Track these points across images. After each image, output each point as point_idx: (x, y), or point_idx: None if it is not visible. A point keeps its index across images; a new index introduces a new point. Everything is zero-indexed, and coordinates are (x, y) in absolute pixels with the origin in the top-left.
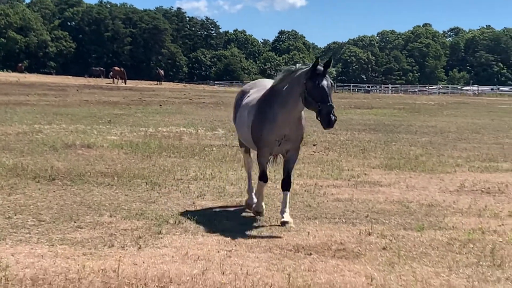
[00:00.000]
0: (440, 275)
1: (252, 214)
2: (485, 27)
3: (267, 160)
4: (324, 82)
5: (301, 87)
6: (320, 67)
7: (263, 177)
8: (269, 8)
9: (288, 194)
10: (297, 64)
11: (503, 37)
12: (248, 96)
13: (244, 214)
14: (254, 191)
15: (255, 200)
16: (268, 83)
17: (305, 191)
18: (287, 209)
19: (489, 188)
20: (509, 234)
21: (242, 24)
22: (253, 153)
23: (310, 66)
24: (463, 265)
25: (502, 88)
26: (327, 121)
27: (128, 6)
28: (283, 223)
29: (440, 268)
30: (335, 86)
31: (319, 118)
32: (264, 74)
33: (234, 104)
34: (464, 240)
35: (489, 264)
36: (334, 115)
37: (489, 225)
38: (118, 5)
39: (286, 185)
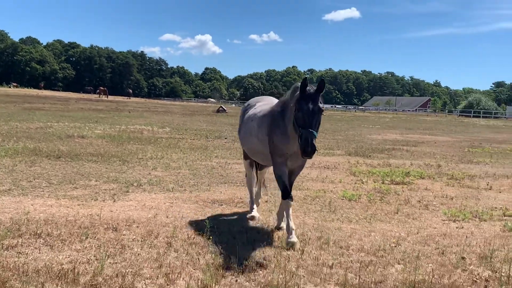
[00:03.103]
0: (299, 217)
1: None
2: (328, 69)
3: (285, 172)
4: (309, 106)
5: (293, 107)
6: (310, 89)
7: (287, 194)
8: (199, 53)
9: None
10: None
11: (338, 75)
12: (255, 108)
13: (182, 179)
14: (278, 213)
15: (256, 208)
16: (273, 100)
17: (219, 166)
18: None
19: (328, 165)
20: (340, 193)
21: (182, 62)
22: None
23: (300, 84)
24: (312, 211)
25: (337, 106)
26: (302, 149)
27: (109, 48)
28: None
29: (299, 213)
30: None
31: (299, 144)
32: (196, 94)
33: (240, 117)
34: (313, 196)
35: (328, 211)
36: (311, 144)
37: (328, 187)
38: (103, 48)
39: (284, 195)
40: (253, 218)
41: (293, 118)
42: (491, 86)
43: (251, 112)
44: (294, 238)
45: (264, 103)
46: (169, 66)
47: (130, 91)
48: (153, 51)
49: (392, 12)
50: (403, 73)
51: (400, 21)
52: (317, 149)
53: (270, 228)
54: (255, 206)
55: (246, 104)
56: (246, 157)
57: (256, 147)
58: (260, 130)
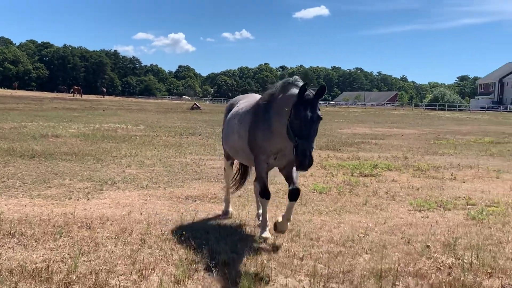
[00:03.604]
0: (271, 211)
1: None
2: (299, 66)
3: (265, 171)
4: (308, 114)
5: (289, 108)
6: (310, 94)
7: (265, 193)
8: (173, 51)
9: (294, 204)
10: (295, 76)
11: (309, 72)
12: (238, 106)
13: (156, 176)
14: (259, 210)
15: (231, 209)
16: (256, 96)
17: (193, 163)
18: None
19: None
20: (311, 186)
21: (156, 60)
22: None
23: (299, 90)
24: (284, 205)
25: None
26: (300, 162)
27: (83, 48)
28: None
29: (271, 207)
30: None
31: (294, 155)
32: (170, 92)
33: (224, 117)
34: (285, 190)
35: (299, 204)
36: (309, 157)
37: (299, 181)
38: (76, 47)
39: (294, 195)
40: (263, 235)
41: (288, 124)
42: (455, 80)
43: (234, 110)
44: (267, 234)
45: (247, 100)
46: (142, 65)
47: (104, 89)
48: (126, 50)
49: (360, 9)
50: (372, 69)
51: (368, 18)
52: (314, 161)
53: (243, 223)
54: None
55: (229, 103)
56: (227, 157)
57: (237, 145)
58: (242, 126)
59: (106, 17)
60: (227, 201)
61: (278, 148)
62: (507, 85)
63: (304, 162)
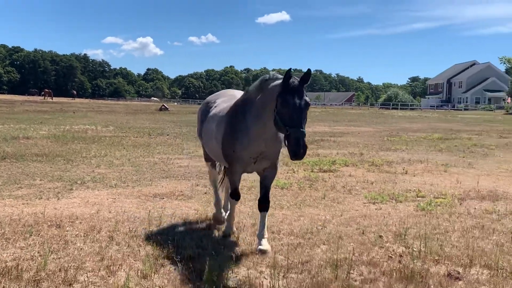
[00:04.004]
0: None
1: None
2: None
3: (239, 177)
4: (296, 101)
5: (274, 101)
6: (294, 81)
7: (235, 195)
8: (142, 54)
9: (266, 215)
10: (271, 72)
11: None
12: (216, 107)
13: (125, 175)
14: (222, 206)
15: (223, 214)
16: (236, 92)
17: (161, 162)
18: (266, 233)
19: None
20: (273, 182)
21: (125, 63)
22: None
23: (283, 78)
24: (248, 200)
25: None
26: (294, 152)
27: (53, 52)
28: (261, 252)
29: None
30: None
31: (286, 145)
32: (139, 94)
33: (199, 117)
34: (249, 186)
35: None
36: (303, 146)
37: None
38: (47, 51)
39: (263, 205)
40: (218, 219)
41: (275, 115)
42: (407, 81)
43: (212, 112)
44: (231, 230)
45: (224, 100)
46: (112, 68)
47: (75, 92)
48: (96, 54)
49: (318, 15)
50: (330, 71)
51: (326, 23)
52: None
53: (208, 219)
54: (223, 210)
55: (205, 102)
56: (207, 159)
57: (216, 150)
58: (218, 131)
59: (75, 22)
60: (218, 206)
61: (258, 152)
62: (454, 85)
63: (299, 151)
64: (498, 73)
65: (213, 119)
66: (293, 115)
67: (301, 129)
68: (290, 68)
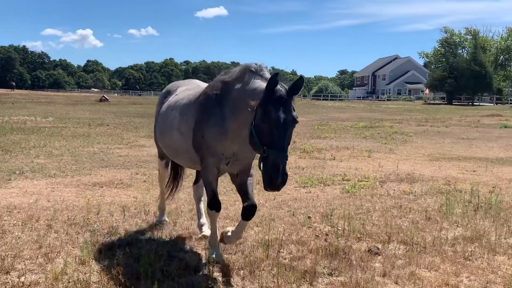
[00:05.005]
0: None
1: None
2: (202, 60)
3: (215, 177)
4: (280, 115)
5: (252, 109)
6: (282, 89)
7: (214, 203)
8: (81, 46)
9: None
10: (258, 62)
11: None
12: (176, 95)
13: (64, 165)
14: (200, 220)
15: (203, 230)
16: (201, 84)
17: (101, 152)
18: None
19: None
20: None
21: (64, 55)
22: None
23: (267, 82)
24: (186, 187)
25: None
26: (270, 180)
27: None
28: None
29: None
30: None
31: (260, 169)
32: (79, 85)
33: (157, 107)
34: (187, 174)
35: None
36: (282, 173)
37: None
38: None
39: (248, 212)
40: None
41: (252, 128)
42: (336, 74)
43: (171, 99)
44: (220, 256)
45: (189, 88)
46: (51, 59)
47: (14, 83)
48: (35, 45)
49: (255, 11)
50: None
51: (261, 19)
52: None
53: (147, 205)
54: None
55: (164, 91)
56: (162, 156)
57: (178, 145)
58: (184, 121)
59: (13, 13)
60: (161, 210)
61: (231, 152)
62: (378, 78)
63: (276, 179)
64: (417, 66)
65: (175, 107)
66: (275, 133)
67: (283, 152)
68: (278, 73)
